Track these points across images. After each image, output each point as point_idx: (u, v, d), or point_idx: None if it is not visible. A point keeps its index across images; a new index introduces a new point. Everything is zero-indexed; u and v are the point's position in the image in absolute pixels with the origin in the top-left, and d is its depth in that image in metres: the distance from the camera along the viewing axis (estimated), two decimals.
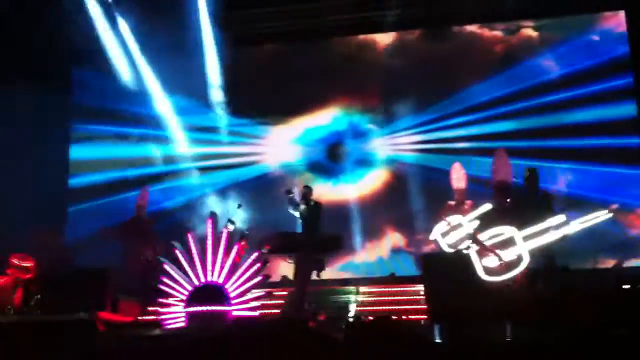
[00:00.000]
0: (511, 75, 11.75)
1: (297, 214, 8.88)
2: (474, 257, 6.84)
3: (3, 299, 8.65)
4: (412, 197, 11.48)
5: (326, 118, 12.84)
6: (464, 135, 11.81)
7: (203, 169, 12.58)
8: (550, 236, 6.99)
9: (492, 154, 10.35)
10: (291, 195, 8.90)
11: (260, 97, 12.59)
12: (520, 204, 8.14)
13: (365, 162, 12.56)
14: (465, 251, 6.94)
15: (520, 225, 7.08)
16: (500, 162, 9.38)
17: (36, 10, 10.68)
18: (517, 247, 6.81)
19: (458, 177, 10.01)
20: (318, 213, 8.93)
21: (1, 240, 9.35)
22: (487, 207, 8.47)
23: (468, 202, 9.46)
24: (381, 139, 12.55)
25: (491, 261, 6.78)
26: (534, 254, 6.95)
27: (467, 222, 8.48)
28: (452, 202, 9.67)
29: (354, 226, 11.65)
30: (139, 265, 9.50)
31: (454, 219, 8.50)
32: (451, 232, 8.43)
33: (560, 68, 11.74)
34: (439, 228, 8.50)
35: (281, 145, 12.87)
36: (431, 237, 8.65)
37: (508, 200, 8.03)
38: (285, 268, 9.48)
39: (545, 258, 7.64)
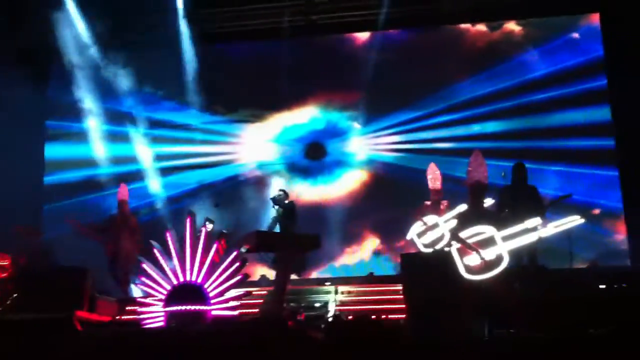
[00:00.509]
0: (493, 74, 11.87)
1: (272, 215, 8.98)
2: (455, 256, 6.91)
3: None
4: (392, 199, 11.53)
5: (304, 116, 12.84)
6: (445, 136, 11.92)
7: (178, 168, 12.54)
8: (528, 237, 7.08)
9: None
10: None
11: (236, 95, 12.59)
12: (509, 199, 8.21)
13: (344, 162, 12.62)
14: (446, 249, 6.99)
15: (510, 222, 7.19)
16: (476, 163, 9.43)
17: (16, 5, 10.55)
18: (497, 246, 6.89)
19: (433, 177, 10.06)
20: (293, 213, 9.01)
21: None
22: (463, 207, 8.58)
23: (444, 202, 9.53)
24: (361, 138, 12.59)
25: (472, 260, 6.85)
26: (514, 253, 7.04)
27: (443, 222, 8.60)
28: (428, 202, 9.73)
29: (333, 227, 11.68)
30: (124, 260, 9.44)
31: (430, 219, 8.61)
32: (427, 232, 8.54)
33: (542, 67, 11.86)
34: (415, 228, 8.61)
35: (258, 143, 12.88)
36: (407, 237, 8.75)
37: (484, 201, 8.08)
38: (264, 267, 9.48)
39: (525, 257, 7.76)
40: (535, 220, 7.11)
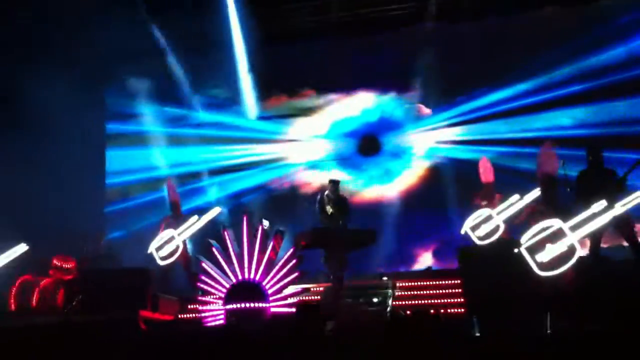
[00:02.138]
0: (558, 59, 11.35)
1: (324, 213, 8.95)
2: (526, 254, 6.77)
3: (46, 299, 8.86)
4: (453, 195, 11.20)
5: (355, 109, 12.66)
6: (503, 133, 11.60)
7: (228, 169, 12.64)
8: (598, 221, 6.87)
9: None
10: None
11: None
12: (584, 181, 7.97)
13: (400, 156, 12.32)
14: (516, 250, 6.87)
15: (586, 203, 7.01)
16: (546, 155, 9.27)
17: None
18: (567, 237, 6.73)
19: (485, 171, 9.97)
20: (346, 208, 8.95)
21: (43, 242, 9.56)
22: (515, 197, 8.49)
23: (497, 195, 9.41)
24: (418, 130, 12.30)
25: (544, 255, 6.71)
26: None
27: (496, 214, 8.54)
28: (482, 193, 9.63)
29: (388, 225, 11.43)
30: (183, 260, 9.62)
31: (484, 212, 8.58)
32: (481, 225, 8.51)
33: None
34: (469, 221, 8.58)
35: (307, 140, 12.78)
36: (462, 230, 8.70)
37: (555, 192, 7.95)
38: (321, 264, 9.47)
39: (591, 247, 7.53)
40: (602, 203, 6.91)
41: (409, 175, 12.26)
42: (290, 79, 12.58)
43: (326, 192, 9.07)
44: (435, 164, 12.10)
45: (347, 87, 12.53)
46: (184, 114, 12.87)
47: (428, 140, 12.25)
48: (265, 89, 12.64)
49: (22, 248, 9.18)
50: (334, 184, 9.12)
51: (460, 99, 11.97)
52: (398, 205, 11.79)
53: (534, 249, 6.81)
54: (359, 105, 12.61)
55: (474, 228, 8.79)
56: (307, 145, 12.78)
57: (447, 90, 11.95)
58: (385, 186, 12.19)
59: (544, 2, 11.46)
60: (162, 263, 9.25)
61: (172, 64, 12.41)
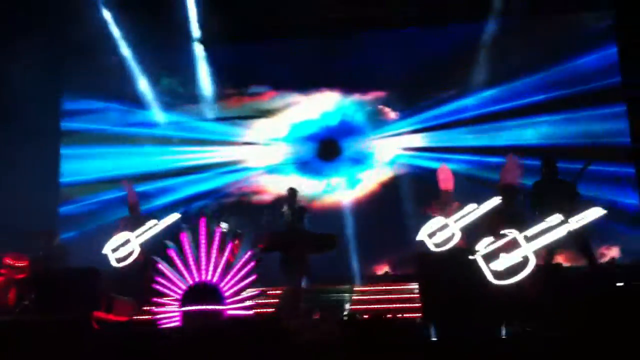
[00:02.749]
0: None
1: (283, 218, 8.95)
2: (481, 262, 6.86)
3: None
4: (413, 202, 11.13)
5: (315, 112, 12.58)
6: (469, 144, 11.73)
7: (185, 171, 12.50)
8: (554, 234, 6.99)
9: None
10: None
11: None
12: (538, 192, 8.08)
13: (362, 161, 12.30)
14: (470, 257, 6.95)
15: (541, 215, 7.12)
16: (510, 165, 9.42)
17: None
18: (522, 248, 6.84)
19: (445, 179, 10.08)
20: (303, 217, 8.98)
21: None
22: (472, 207, 8.61)
23: (455, 203, 9.51)
24: (382, 135, 12.30)
25: (499, 264, 6.80)
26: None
27: (453, 222, 8.66)
28: (439, 202, 9.73)
29: (348, 233, 11.42)
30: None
31: (440, 219, 8.69)
32: (437, 232, 8.62)
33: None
34: (426, 229, 8.68)
35: (265, 144, 12.63)
36: (418, 237, 8.78)
37: (514, 203, 8.08)
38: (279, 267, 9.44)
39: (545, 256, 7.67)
40: (558, 217, 7.04)
41: (369, 182, 12.26)
42: (249, 78, 12.56)
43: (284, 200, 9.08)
44: (398, 171, 12.15)
45: (308, 87, 12.50)
46: (141, 112, 12.70)
47: (391, 146, 12.29)
48: (223, 88, 12.58)
49: None
50: (292, 191, 9.14)
51: (426, 104, 12.06)
52: (357, 212, 11.78)
53: (489, 257, 6.90)
54: (319, 108, 12.56)
55: (430, 235, 8.87)
56: (265, 148, 12.66)
57: (414, 94, 12.05)
58: (346, 192, 12.17)
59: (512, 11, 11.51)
60: (117, 265, 9.09)
61: (128, 59, 12.23)
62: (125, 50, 12.28)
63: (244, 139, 12.71)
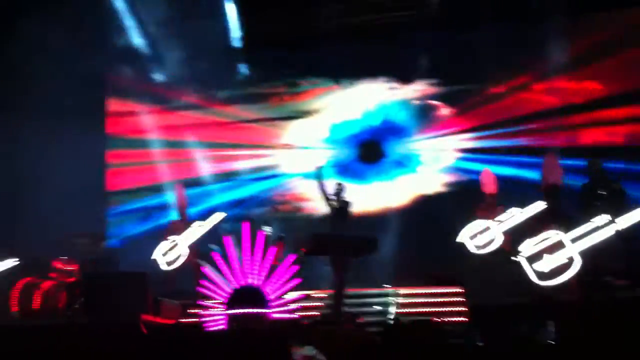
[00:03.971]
0: None
1: (328, 207, 8.80)
2: (525, 263, 6.80)
3: (48, 302, 8.86)
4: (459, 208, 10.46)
5: (356, 112, 12.28)
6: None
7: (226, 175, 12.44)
8: (599, 236, 6.88)
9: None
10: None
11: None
12: (585, 193, 7.95)
13: (405, 164, 11.99)
14: (513, 258, 6.89)
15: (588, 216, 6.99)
16: (550, 165, 9.30)
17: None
18: (567, 249, 6.75)
19: (488, 182, 9.99)
20: (347, 211, 8.85)
21: (45, 245, 9.58)
22: (516, 210, 8.52)
23: (499, 207, 9.41)
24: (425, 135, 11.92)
25: (543, 265, 6.73)
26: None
27: (495, 225, 8.58)
28: (484, 205, 9.63)
29: (389, 236, 11.05)
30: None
31: (482, 222, 8.62)
32: (478, 235, 8.55)
33: None
34: (467, 231, 8.61)
35: (304, 147, 12.34)
36: (458, 239, 8.71)
37: (558, 203, 7.96)
38: (323, 270, 9.46)
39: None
40: (605, 217, 6.92)
41: (414, 186, 11.91)
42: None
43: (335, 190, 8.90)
44: (449, 175, 11.79)
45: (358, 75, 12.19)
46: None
47: (442, 148, 11.89)
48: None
49: (11, 262, 9.17)
50: (340, 186, 8.99)
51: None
52: (400, 217, 11.53)
53: (533, 259, 6.83)
54: (360, 107, 12.25)
55: (471, 238, 8.80)
56: (303, 151, 12.39)
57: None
58: (388, 196, 11.87)
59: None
60: (167, 268, 9.30)
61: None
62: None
63: (282, 141, 12.55)
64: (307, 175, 11.75)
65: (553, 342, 6.15)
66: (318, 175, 8.63)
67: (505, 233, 8.71)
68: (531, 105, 11.44)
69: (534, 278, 6.82)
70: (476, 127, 11.68)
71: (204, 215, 10.21)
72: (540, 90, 11.47)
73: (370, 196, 11.79)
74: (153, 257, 9.41)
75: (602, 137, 11.03)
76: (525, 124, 11.34)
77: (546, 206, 8.37)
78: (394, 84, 12.11)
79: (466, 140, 11.78)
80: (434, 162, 11.93)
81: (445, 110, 11.96)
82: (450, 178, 11.76)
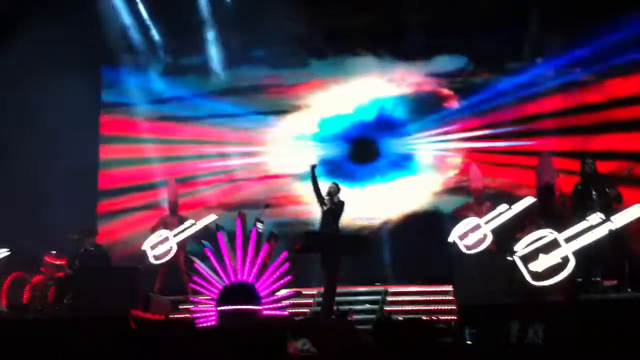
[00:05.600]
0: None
1: (321, 207, 8.78)
2: (519, 263, 6.80)
3: (37, 296, 8.82)
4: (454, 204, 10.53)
5: (349, 106, 11.67)
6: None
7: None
8: (595, 234, 6.88)
9: None
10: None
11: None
12: (579, 193, 7.93)
13: (402, 164, 11.50)
14: (509, 258, 6.90)
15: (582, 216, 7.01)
16: (543, 166, 9.33)
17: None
18: (562, 249, 6.76)
19: (474, 177, 9.99)
20: (339, 213, 8.82)
21: (35, 240, 9.54)
22: (504, 207, 8.51)
23: (486, 203, 9.41)
24: (424, 133, 11.47)
25: (538, 265, 6.74)
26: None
27: (484, 223, 8.55)
28: (471, 202, 9.64)
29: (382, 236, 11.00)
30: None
31: (472, 220, 8.58)
32: (469, 233, 8.53)
33: None
34: (457, 230, 8.58)
35: (288, 142, 11.87)
36: (449, 239, 8.69)
37: (552, 203, 7.97)
38: (314, 267, 9.45)
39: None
40: (598, 216, 6.93)
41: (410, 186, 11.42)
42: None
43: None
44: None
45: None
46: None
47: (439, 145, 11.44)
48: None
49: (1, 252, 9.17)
50: (336, 186, 8.93)
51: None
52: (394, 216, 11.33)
53: (527, 258, 6.84)
54: (353, 101, 11.67)
55: (461, 237, 8.77)
56: (291, 149, 11.91)
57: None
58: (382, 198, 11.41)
59: None
60: (154, 262, 9.27)
61: None
62: None
63: (270, 136, 12.08)
64: (300, 175, 11.31)
65: (541, 343, 6.16)
66: (311, 175, 8.60)
67: (493, 232, 8.67)
68: None
69: (528, 278, 6.82)
70: (482, 125, 11.21)
71: (195, 213, 10.18)
72: None
73: (364, 201, 11.24)
74: (142, 247, 9.38)
75: None
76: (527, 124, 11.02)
77: (540, 205, 8.37)
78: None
79: (471, 141, 11.29)
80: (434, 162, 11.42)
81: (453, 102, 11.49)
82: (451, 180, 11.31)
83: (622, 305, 6.86)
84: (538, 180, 9.39)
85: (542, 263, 6.77)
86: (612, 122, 10.53)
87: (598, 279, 7.74)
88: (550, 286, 6.71)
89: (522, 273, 6.81)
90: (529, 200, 8.57)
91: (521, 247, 6.86)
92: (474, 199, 9.67)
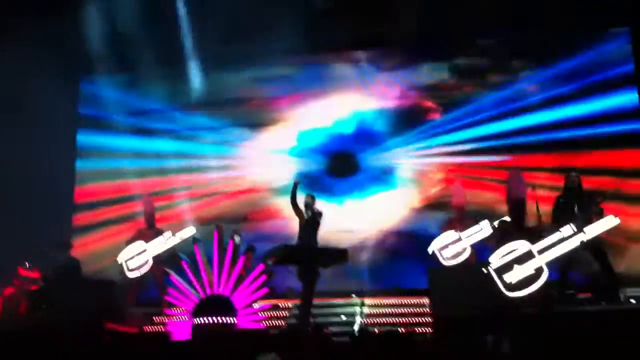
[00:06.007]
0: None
1: (299, 218, 8.78)
2: (493, 274, 6.85)
3: (10, 309, 8.69)
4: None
5: (327, 119, 11.59)
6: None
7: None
8: (567, 245, 6.95)
9: None
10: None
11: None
12: (559, 206, 7.98)
13: (382, 178, 11.33)
14: (484, 269, 6.94)
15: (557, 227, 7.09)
16: (514, 181, 9.42)
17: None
18: (535, 260, 6.82)
19: (457, 194, 10.07)
20: (318, 223, 8.82)
21: (9, 252, 9.41)
22: (485, 223, 8.63)
23: (468, 219, 9.46)
24: (405, 147, 11.32)
25: (512, 276, 6.79)
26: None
27: (465, 237, 8.70)
28: (453, 217, 9.68)
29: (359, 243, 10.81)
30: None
31: (453, 234, 8.71)
32: (449, 246, 8.64)
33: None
34: (437, 242, 8.69)
35: (265, 155, 11.73)
36: (429, 249, 8.77)
37: (523, 216, 8.05)
38: (290, 280, 9.41)
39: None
40: (571, 228, 7.00)
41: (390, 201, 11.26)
42: None
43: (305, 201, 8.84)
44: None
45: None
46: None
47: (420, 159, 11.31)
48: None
49: None
50: (311, 198, 8.93)
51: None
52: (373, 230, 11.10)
53: (502, 270, 6.89)
54: (332, 114, 11.55)
55: (441, 249, 8.88)
56: (269, 163, 11.74)
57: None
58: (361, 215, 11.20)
59: None
60: (130, 275, 9.19)
61: None
62: None
63: (248, 150, 11.93)
64: (277, 188, 11.31)
65: (512, 355, 6.18)
66: (292, 191, 8.64)
67: (472, 246, 8.80)
68: None
69: (502, 289, 6.87)
70: (464, 140, 11.09)
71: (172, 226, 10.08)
72: None
73: (342, 215, 11.05)
74: (118, 260, 9.28)
75: None
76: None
77: (512, 219, 8.47)
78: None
79: (453, 155, 11.15)
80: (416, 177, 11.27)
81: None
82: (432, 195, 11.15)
83: (596, 317, 6.90)
84: (508, 195, 9.47)
85: (517, 274, 6.82)
86: (596, 138, 10.54)
87: (572, 291, 7.82)
88: (524, 297, 6.76)
89: (497, 285, 6.85)
90: (506, 218, 8.71)
91: (496, 259, 6.91)
92: (455, 214, 9.71)
